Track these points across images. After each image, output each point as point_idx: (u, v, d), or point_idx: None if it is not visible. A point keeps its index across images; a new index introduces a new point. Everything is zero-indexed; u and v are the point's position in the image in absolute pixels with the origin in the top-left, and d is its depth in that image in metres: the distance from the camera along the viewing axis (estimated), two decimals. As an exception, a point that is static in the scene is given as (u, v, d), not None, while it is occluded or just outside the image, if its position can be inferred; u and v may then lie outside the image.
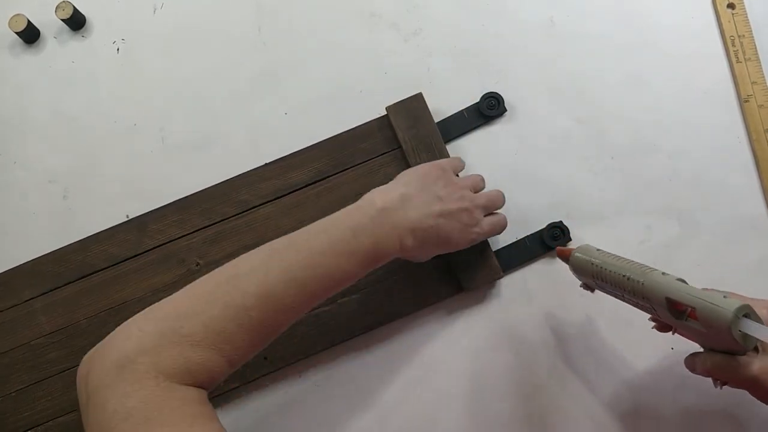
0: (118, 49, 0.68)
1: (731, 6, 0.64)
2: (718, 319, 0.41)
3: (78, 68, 0.68)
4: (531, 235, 0.60)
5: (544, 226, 0.60)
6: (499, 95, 0.63)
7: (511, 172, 0.62)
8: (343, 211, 0.50)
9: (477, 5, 0.67)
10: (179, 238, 0.61)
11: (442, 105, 0.64)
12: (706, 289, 0.44)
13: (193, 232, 0.61)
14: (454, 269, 0.58)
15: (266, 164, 0.63)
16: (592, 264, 0.51)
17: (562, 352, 0.58)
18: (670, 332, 0.47)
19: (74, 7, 0.67)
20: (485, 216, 0.56)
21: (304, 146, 0.63)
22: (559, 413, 0.56)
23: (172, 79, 0.67)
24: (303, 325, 0.58)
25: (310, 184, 0.62)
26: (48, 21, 0.68)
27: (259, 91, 0.66)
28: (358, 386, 0.58)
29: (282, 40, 0.67)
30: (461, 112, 0.64)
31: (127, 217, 0.63)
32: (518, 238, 0.60)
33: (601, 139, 0.63)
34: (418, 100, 0.62)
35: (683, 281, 0.44)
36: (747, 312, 0.41)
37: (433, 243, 0.52)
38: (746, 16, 0.64)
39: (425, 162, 0.57)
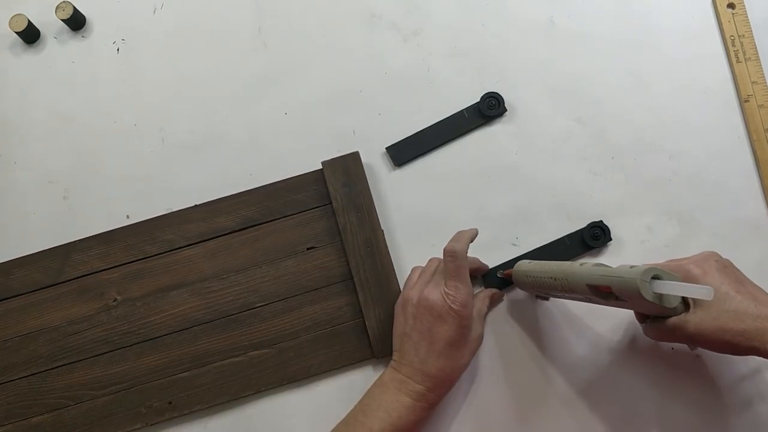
0: (118, 50, 0.68)
1: (731, 6, 0.64)
2: (629, 289, 0.41)
3: (78, 68, 0.68)
4: (571, 234, 0.60)
5: (544, 226, 0.60)
6: (499, 95, 0.63)
7: (511, 173, 0.62)
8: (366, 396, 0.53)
9: (477, 5, 0.67)
10: (101, 271, 0.61)
11: (442, 105, 0.64)
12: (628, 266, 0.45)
13: (116, 266, 0.61)
14: (369, 335, 0.58)
15: (195, 206, 0.62)
16: (527, 277, 0.52)
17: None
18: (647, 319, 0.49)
19: (74, 7, 0.67)
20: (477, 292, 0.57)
21: (304, 146, 0.63)
22: None
23: (172, 79, 0.67)
24: (211, 375, 0.58)
25: (236, 231, 0.61)
26: (48, 21, 0.68)
27: (259, 92, 0.66)
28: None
29: (282, 41, 0.67)
30: (461, 112, 0.64)
31: (128, 217, 0.63)
32: (555, 239, 0.60)
33: (602, 140, 0.63)
34: (354, 158, 0.61)
35: (603, 265, 0.45)
36: (656, 274, 0.41)
37: (445, 349, 0.52)
38: (746, 16, 0.64)
39: (353, 220, 0.59)
